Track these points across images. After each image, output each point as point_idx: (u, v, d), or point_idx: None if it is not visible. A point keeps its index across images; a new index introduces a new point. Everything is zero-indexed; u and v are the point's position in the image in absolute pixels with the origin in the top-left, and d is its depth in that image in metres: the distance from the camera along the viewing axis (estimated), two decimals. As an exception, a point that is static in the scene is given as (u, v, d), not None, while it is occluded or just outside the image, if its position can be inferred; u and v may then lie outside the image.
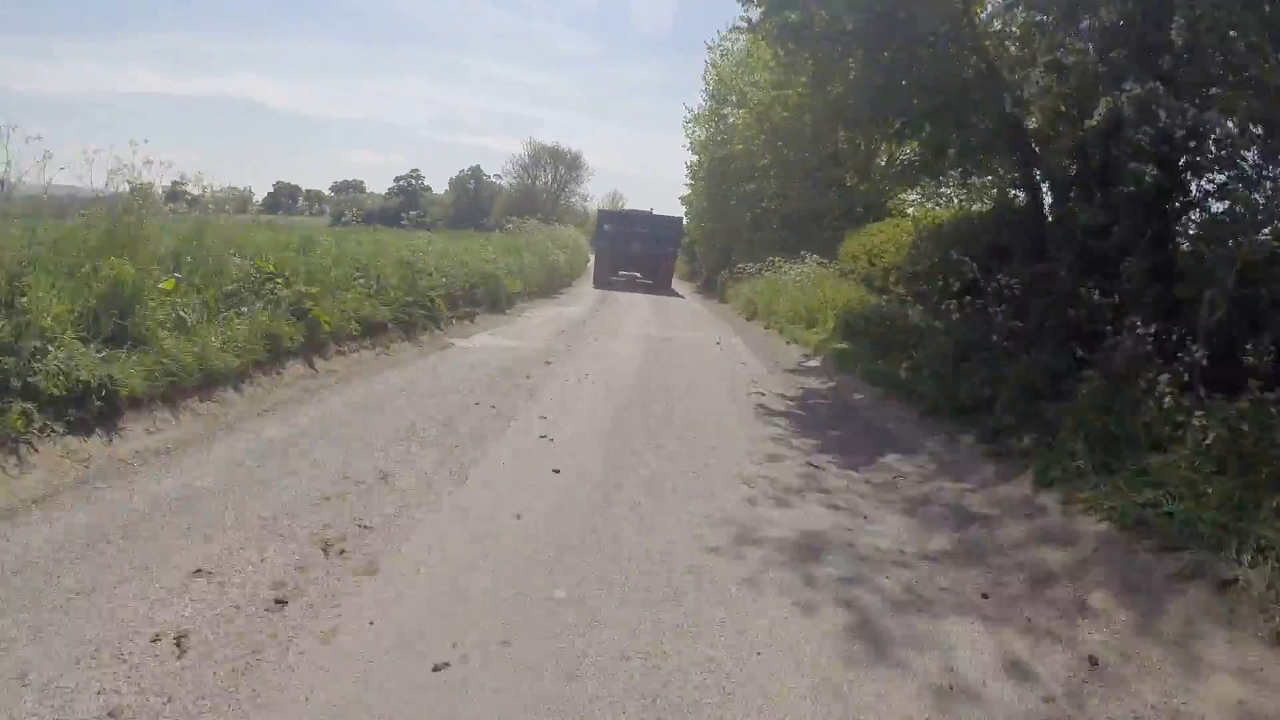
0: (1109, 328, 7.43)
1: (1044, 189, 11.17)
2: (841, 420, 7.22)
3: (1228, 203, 7.48)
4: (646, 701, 2.54)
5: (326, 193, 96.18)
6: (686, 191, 29.12)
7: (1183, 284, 7.22)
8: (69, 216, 6.49)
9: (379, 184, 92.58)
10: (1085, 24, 8.27)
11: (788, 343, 12.29)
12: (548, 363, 8.62)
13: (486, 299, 12.68)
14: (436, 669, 2.61)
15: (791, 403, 7.86)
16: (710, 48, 25.54)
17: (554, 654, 2.76)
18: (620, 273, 25.72)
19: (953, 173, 15.64)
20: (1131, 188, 7.94)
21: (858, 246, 14.83)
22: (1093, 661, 3.21)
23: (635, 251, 24.64)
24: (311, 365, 6.99)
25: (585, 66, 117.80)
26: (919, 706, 2.71)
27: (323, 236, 9.84)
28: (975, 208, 15.59)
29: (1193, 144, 7.56)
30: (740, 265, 20.54)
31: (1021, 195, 11.39)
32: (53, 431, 4.18)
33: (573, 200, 68.04)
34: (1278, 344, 5.38)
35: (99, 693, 2.32)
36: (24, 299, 4.72)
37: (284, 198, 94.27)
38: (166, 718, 2.26)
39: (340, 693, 2.44)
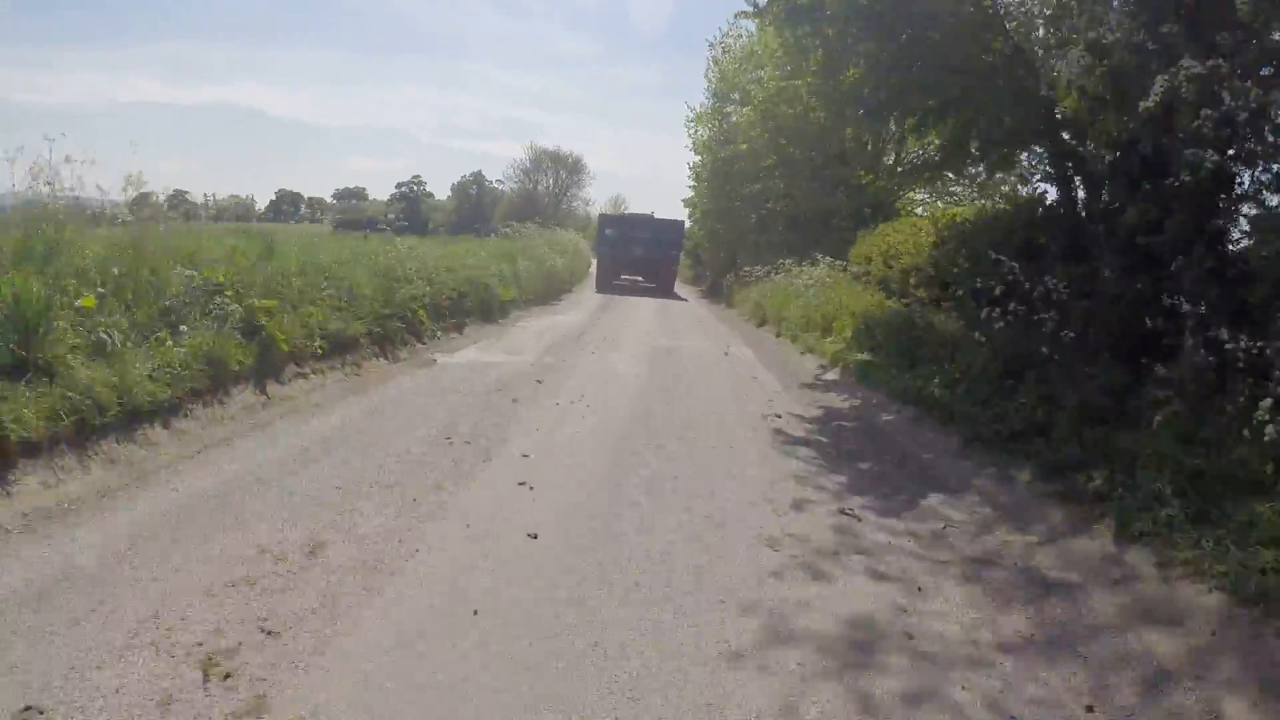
0: (1166, 338, 6.57)
1: (1076, 182, 10.31)
2: (872, 449, 6.30)
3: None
4: None
5: (329, 200, 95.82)
6: (689, 193, 28.23)
7: (1254, 286, 6.29)
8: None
9: (381, 190, 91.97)
10: (1129, -2, 7.30)
11: (801, 353, 11.36)
12: (538, 381, 7.72)
13: (477, 308, 11.80)
14: None
15: (812, 426, 6.95)
16: (712, 44, 24.82)
17: None
18: (622, 277, 25.25)
19: (973, 169, 14.77)
20: (1186, 177, 6.98)
21: (871, 248, 13.88)
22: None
23: (637, 255, 24.19)
24: (263, 391, 6.11)
25: (585, 68, 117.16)
26: None
27: (293, 243, 8.97)
28: (987, 205, 14.76)
29: (1248, 130, 6.69)
30: (746, 269, 19.67)
31: (1051, 190, 10.45)
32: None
33: (574, 204, 67.38)
34: None
35: None
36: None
37: (286, 205, 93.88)
38: None
39: None
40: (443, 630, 2.88)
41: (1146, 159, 8.17)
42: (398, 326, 8.47)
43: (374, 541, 3.53)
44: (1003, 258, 7.50)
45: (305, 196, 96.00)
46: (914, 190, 22.31)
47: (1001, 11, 10.35)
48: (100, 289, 5.50)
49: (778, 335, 13.34)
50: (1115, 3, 8.66)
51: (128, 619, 2.80)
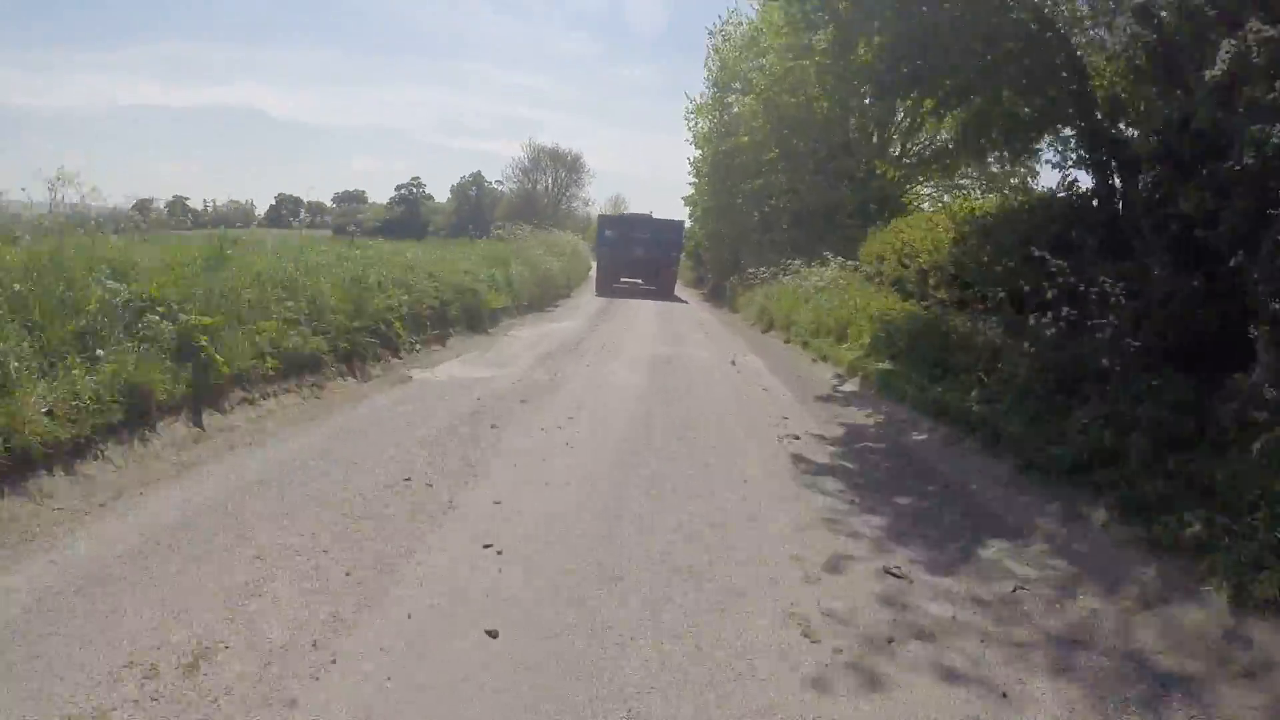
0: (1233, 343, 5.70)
1: (1112, 168, 9.42)
2: (907, 477, 5.41)
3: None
4: None
5: (328, 204, 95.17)
6: (689, 191, 27.40)
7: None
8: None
9: (381, 192, 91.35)
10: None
11: (814, 360, 10.48)
12: (524, 401, 6.85)
13: (464, 318, 10.93)
14: None
15: (835, 449, 6.06)
16: (712, 33, 23.97)
17: None
18: (623, 279, 24.86)
19: (995, 154, 13.85)
20: (1250, 159, 6.08)
21: (883, 245, 12.96)
22: None
23: (637, 257, 23.78)
24: (198, 422, 5.24)
25: (585, 68, 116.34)
26: None
27: (267, 249, 8.11)
28: (1010, 198, 13.82)
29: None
30: (751, 270, 18.80)
31: (1083, 178, 9.54)
32: None
33: (574, 205, 66.58)
34: None
35: None
36: None
37: (285, 210, 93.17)
38: None
39: None
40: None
41: (1201, 139, 7.29)
42: (368, 341, 7.59)
43: (278, 650, 2.65)
44: (1046, 255, 6.62)
45: (305, 200, 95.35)
46: (921, 184, 21.50)
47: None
48: (-7, 309, 4.64)
49: (786, 341, 12.45)
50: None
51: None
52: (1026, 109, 10.17)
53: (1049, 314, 6.02)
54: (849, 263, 13.79)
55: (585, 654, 2.77)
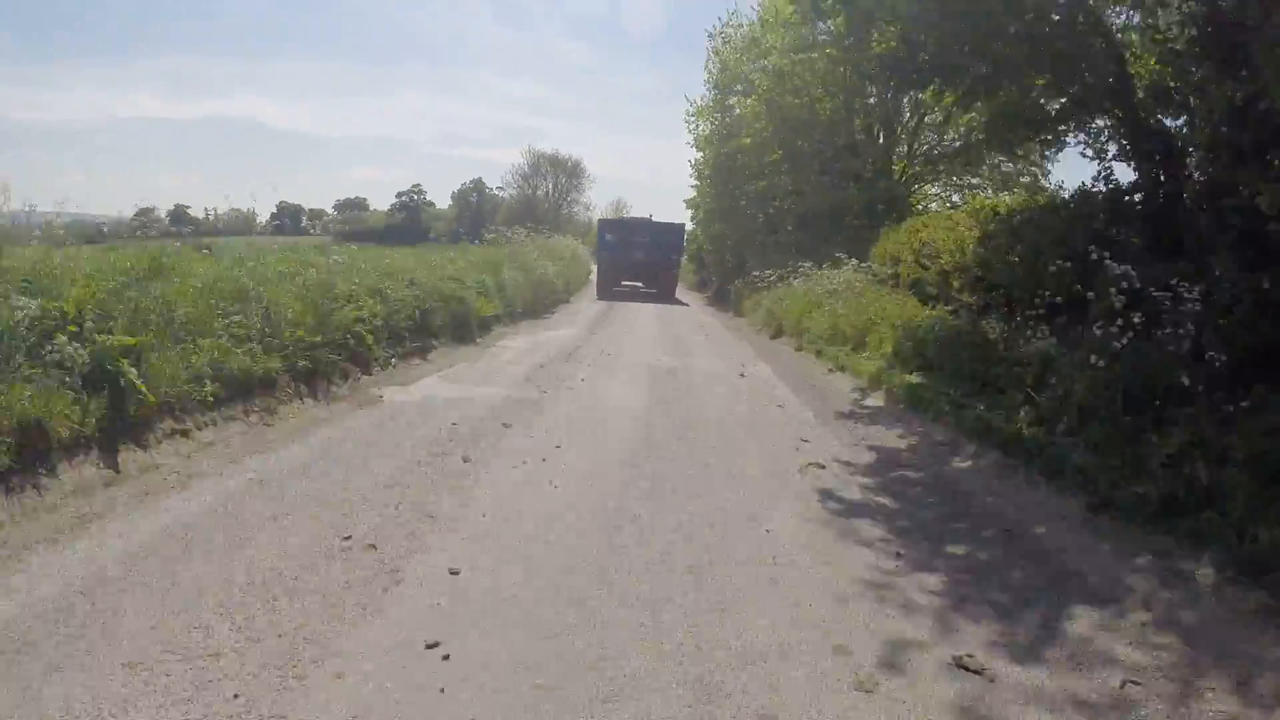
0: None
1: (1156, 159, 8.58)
2: (959, 518, 4.53)
3: None
4: None
5: (330, 211, 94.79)
6: (691, 193, 26.68)
7: None
8: None
9: (382, 200, 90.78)
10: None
11: (830, 371, 9.61)
12: (506, 425, 6.00)
13: (449, 327, 10.10)
14: None
15: (868, 481, 5.19)
16: (711, 35, 23.29)
17: None
18: (623, 283, 24.59)
19: (1024, 147, 13.06)
20: None
21: (899, 246, 12.09)
22: None
23: (638, 260, 23.57)
24: (112, 463, 4.40)
25: (585, 75, 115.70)
26: None
27: (196, 258, 7.27)
28: (1039, 194, 13.00)
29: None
30: (756, 273, 17.98)
31: (1116, 170, 8.70)
32: None
33: (575, 209, 66.04)
34: None
35: None
36: None
37: (287, 218, 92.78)
38: None
39: None
40: None
41: (1267, 123, 6.47)
42: (331, 358, 6.75)
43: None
44: (1107, 256, 5.77)
45: (306, 208, 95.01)
46: (931, 183, 20.77)
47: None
48: None
49: (798, 349, 11.58)
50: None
51: None
52: (1059, 99, 9.37)
53: (1118, 322, 5.17)
54: (862, 264, 12.96)
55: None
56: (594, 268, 27.28)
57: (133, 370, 4.85)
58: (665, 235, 24.10)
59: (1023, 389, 6.01)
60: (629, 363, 9.76)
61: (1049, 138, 10.30)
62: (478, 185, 79.46)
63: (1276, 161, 6.38)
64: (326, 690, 2.42)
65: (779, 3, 15.06)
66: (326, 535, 3.62)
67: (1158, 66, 8.69)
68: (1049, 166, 18.93)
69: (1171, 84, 8.41)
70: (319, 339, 6.66)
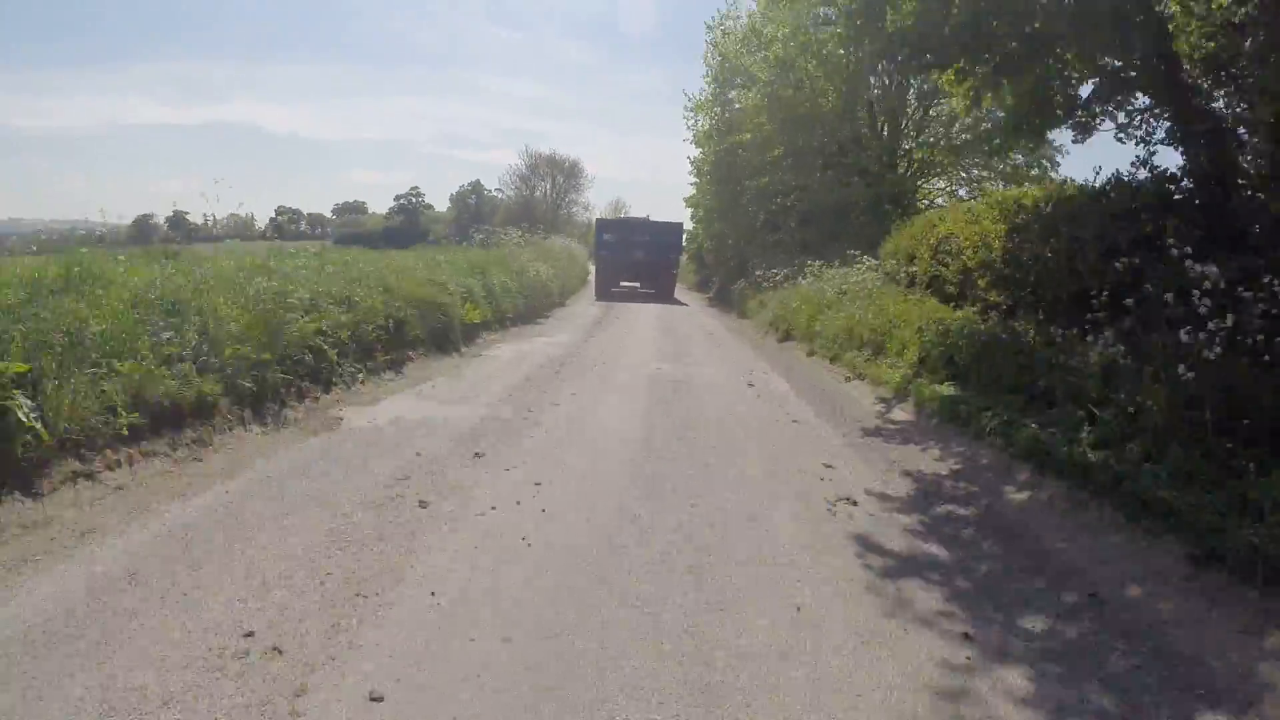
0: None
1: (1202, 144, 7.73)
2: (1029, 574, 3.65)
3: None
4: None
5: (329, 215, 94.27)
6: (691, 191, 25.89)
7: None
8: None
9: (382, 203, 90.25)
10: None
11: (847, 379, 8.73)
12: (478, 455, 5.13)
13: (430, 337, 9.25)
14: None
15: (909, 519, 4.32)
16: (710, 27, 22.56)
17: None
18: (622, 283, 24.14)
19: (1057, 130, 12.15)
20: None
21: (913, 242, 11.20)
22: None
23: (637, 259, 23.10)
24: (-19, 520, 3.55)
25: (584, 76, 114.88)
26: None
27: (122, 265, 6.40)
28: (1069, 183, 12.13)
29: None
30: (761, 271, 17.15)
31: (1157, 157, 7.85)
32: None
33: (574, 210, 65.34)
34: None
35: None
36: None
37: (285, 222, 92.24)
38: None
39: None
40: None
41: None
42: (282, 378, 5.89)
43: None
44: (1189, 251, 4.88)
45: (305, 212, 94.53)
46: (935, 178, 20.02)
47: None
48: None
49: (809, 354, 10.70)
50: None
51: None
52: (1094, 77, 8.52)
53: (1208, 326, 4.29)
54: (873, 261, 12.10)
55: None
56: (592, 268, 26.70)
57: (26, 403, 4.01)
58: (664, 235, 23.66)
59: (1083, 404, 5.14)
60: (626, 373, 8.90)
61: (1082, 120, 9.44)
62: (476, 187, 78.92)
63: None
64: None
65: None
66: (223, 631, 2.75)
67: (1204, 41, 7.84)
68: (1058, 159, 18.25)
69: (1225, 59, 7.56)
70: (268, 356, 5.80)
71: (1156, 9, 7.78)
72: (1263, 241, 6.02)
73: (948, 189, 20.50)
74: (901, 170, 17.78)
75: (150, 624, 2.81)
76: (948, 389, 6.76)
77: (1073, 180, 10.08)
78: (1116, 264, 5.40)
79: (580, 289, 24.63)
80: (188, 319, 5.53)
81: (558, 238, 28.44)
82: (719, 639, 2.89)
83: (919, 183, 19.24)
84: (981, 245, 8.90)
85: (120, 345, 4.88)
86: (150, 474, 4.46)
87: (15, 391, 4.02)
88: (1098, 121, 9.18)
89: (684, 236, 26.04)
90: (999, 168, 18.68)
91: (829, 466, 5.25)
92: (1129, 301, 4.97)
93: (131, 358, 4.86)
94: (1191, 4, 7.66)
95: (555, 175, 66.55)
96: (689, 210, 26.88)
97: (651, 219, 25.67)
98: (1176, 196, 7.54)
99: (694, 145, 23.84)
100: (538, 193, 66.26)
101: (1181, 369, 4.25)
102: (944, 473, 5.25)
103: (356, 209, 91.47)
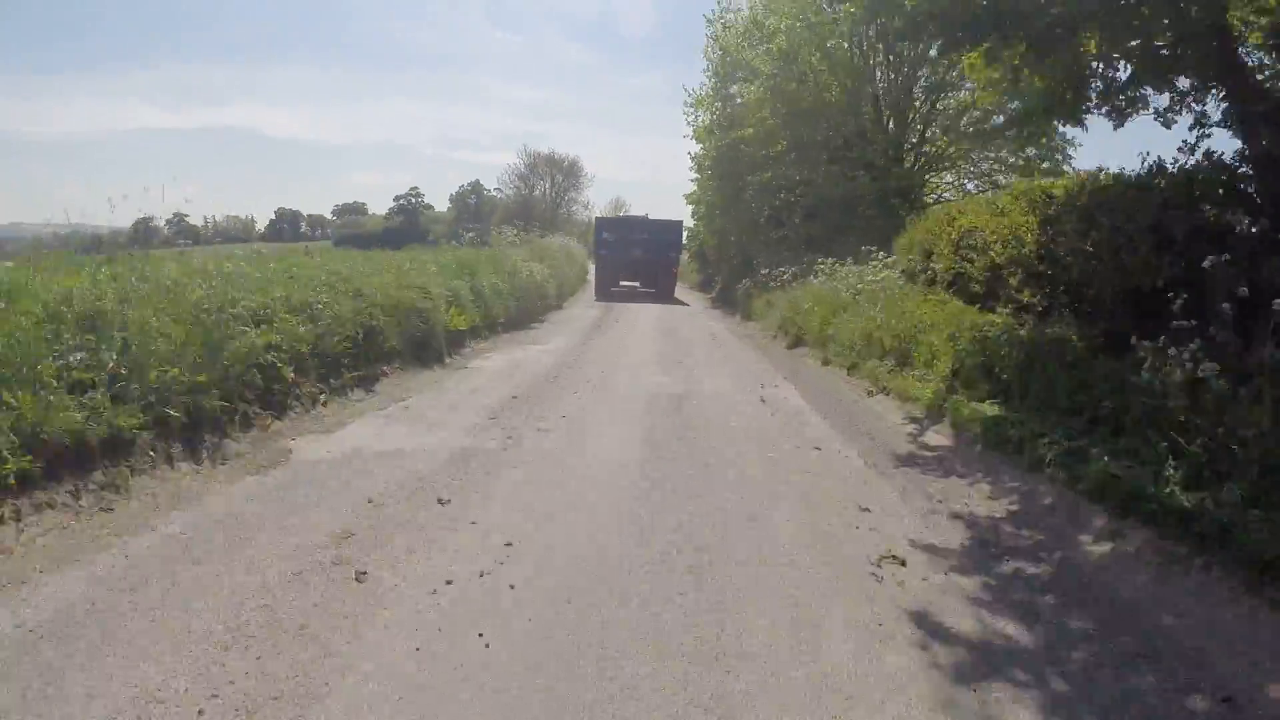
0: None
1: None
2: (1139, 664, 2.81)
3: None
4: None
5: (329, 216, 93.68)
6: (691, 188, 25.09)
7: None
8: None
9: (382, 204, 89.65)
10: None
11: (869, 393, 7.89)
12: (444, 502, 4.29)
13: (409, 347, 8.43)
14: None
15: (971, 583, 3.49)
16: (710, 21, 21.75)
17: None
18: (621, 282, 23.77)
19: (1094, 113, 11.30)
20: None
21: (931, 237, 10.35)
22: None
23: (636, 258, 22.67)
24: None
25: (583, 76, 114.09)
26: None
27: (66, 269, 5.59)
28: (1104, 173, 11.28)
29: None
30: (766, 270, 16.35)
31: (1207, 142, 7.06)
32: None
33: (574, 209, 64.64)
34: None
35: None
36: None
37: (285, 224, 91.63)
38: None
39: None
40: None
41: None
42: (219, 404, 5.06)
43: None
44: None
45: (305, 214, 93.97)
46: (945, 171, 19.26)
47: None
48: None
49: (824, 363, 9.86)
50: None
51: None
52: (1137, 55, 7.68)
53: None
54: (890, 258, 11.26)
55: None
56: (591, 268, 26.07)
57: None
58: (664, 233, 23.18)
59: (1166, 433, 4.30)
60: (624, 389, 8.06)
61: (1122, 102, 8.59)
62: (475, 187, 78.35)
63: None
64: None
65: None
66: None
67: (1256, 17, 7.05)
68: (1070, 151, 17.44)
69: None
70: (204, 378, 4.98)
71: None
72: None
73: (956, 183, 19.81)
74: (908, 164, 17.02)
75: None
76: (990, 408, 5.93)
77: (1107, 169, 9.24)
78: (1168, 259, 4.57)
79: (579, 289, 23.84)
80: (106, 336, 4.71)
81: (556, 236, 27.64)
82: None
83: (927, 176, 18.51)
84: (1011, 239, 8.07)
85: (14, 372, 4.06)
86: (45, 528, 3.64)
87: None
88: (1137, 105, 8.34)
89: (684, 235, 25.47)
90: (1009, 160, 17.98)
91: (865, 510, 4.42)
92: (1224, 306, 4.13)
93: (30, 386, 4.05)
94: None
95: (554, 174, 65.88)
96: (690, 207, 26.19)
97: (651, 217, 25.25)
98: (1240, 185, 6.73)
99: (694, 141, 23.07)
100: (537, 192, 65.58)
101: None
102: (1000, 515, 4.41)
103: (357, 210, 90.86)
